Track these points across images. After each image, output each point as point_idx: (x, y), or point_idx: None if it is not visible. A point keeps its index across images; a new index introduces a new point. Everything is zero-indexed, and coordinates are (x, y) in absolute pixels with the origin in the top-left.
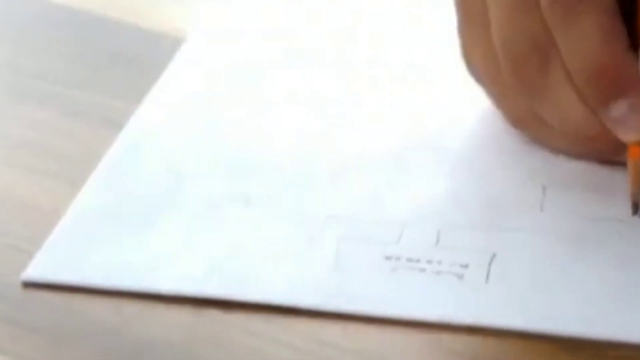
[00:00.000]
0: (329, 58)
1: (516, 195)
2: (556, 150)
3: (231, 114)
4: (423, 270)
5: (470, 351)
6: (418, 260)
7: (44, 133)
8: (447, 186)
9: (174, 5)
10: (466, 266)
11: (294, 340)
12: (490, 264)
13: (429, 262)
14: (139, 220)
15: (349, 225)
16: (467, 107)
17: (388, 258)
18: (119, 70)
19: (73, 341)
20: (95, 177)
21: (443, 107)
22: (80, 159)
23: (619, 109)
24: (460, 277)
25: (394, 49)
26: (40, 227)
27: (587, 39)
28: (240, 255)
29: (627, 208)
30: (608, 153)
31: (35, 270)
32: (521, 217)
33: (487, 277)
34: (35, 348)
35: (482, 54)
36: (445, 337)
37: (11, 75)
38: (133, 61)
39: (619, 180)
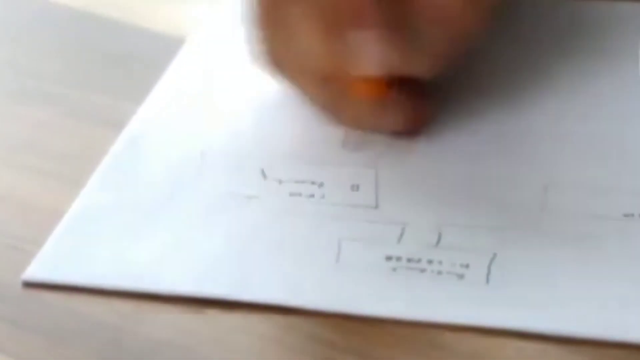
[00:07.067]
0: None
1: (516, 195)
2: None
3: (231, 114)
4: (424, 270)
5: (470, 351)
6: (419, 261)
7: (44, 133)
8: (447, 186)
9: (174, 5)
10: (467, 266)
11: (294, 340)
12: (490, 264)
13: (430, 262)
14: (139, 220)
15: (349, 225)
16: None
17: (388, 258)
18: (119, 70)
19: (73, 341)
20: (95, 177)
21: None
22: (80, 159)
23: (355, 39)
24: (460, 277)
25: None
26: (40, 227)
27: None
28: (240, 255)
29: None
30: (341, 98)
31: (35, 270)
32: (521, 217)
33: (488, 277)
34: (35, 348)
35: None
36: (445, 337)
37: (11, 75)
38: (133, 61)
39: (617, 181)
